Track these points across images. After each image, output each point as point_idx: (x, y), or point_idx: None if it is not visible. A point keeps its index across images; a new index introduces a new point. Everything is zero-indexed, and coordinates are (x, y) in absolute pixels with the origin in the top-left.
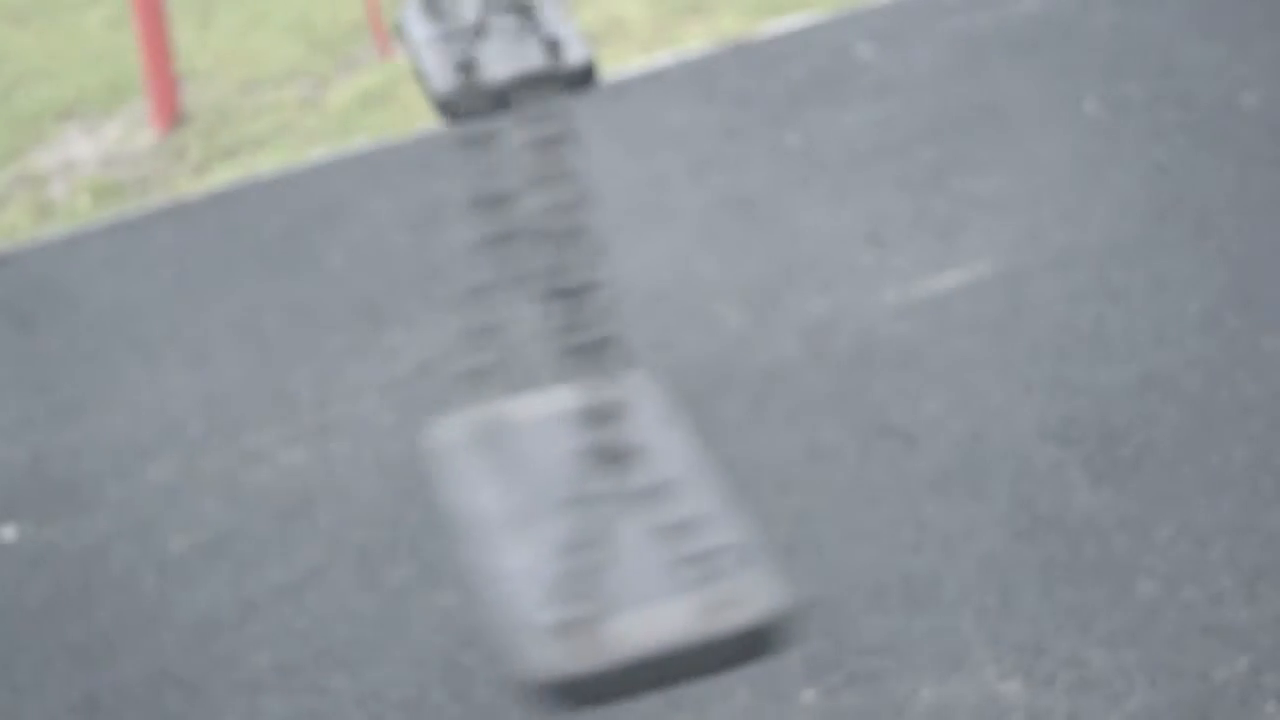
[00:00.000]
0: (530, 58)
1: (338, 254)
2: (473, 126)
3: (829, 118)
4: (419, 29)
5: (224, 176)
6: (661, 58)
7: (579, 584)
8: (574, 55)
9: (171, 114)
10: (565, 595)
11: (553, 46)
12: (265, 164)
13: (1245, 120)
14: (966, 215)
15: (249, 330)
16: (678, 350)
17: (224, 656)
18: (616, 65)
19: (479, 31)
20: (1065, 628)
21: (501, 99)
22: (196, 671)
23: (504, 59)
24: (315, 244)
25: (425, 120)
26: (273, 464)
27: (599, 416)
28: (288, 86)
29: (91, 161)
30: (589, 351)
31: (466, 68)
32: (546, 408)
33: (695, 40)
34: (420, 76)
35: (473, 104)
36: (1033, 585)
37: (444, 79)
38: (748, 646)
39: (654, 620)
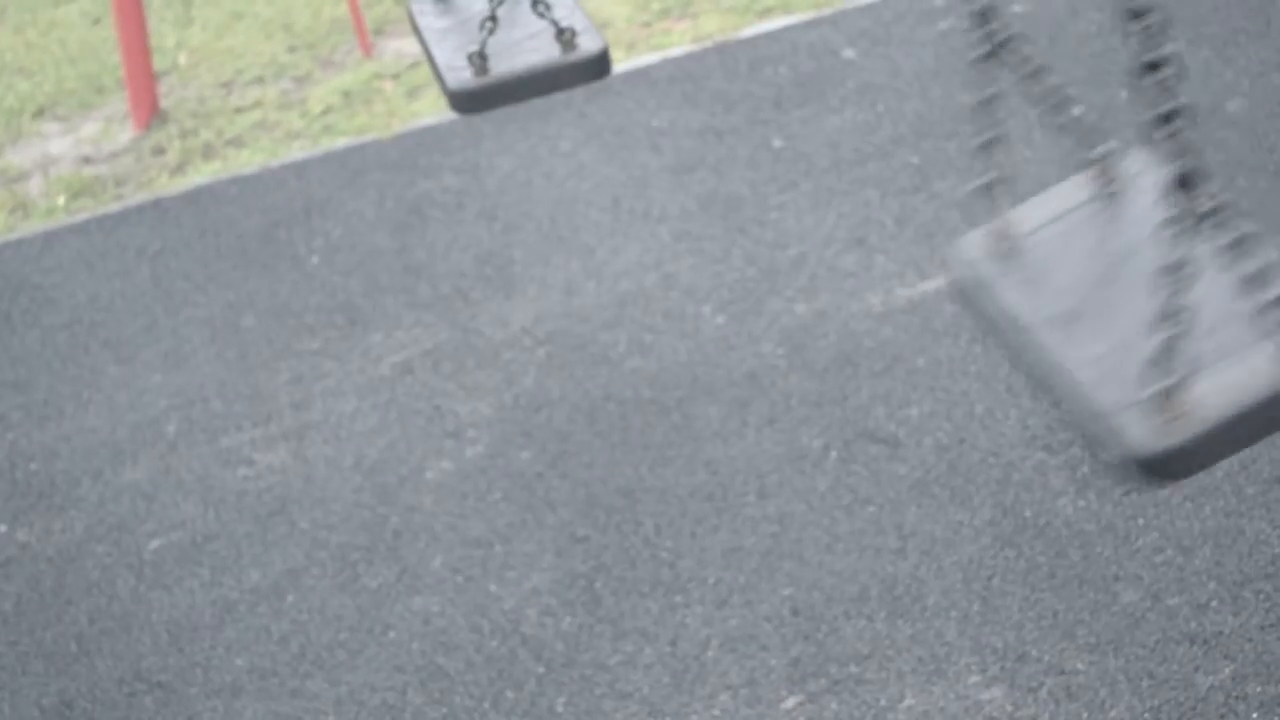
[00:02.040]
0: (544, 49)
1: (317, 254)
2: None
3: (812, 120)
4: (429, 20)
5: (202, 175)
6: (645, 59)
7: (1171, 353)
8: (588, 45)
9: (150, 112)
10: (1159, 367)
11: (566, 37)
12: (244, 162)
13: (1230, 125)
14: (950, 218)
15: (227, 330)
16: (658, 353)
17: (200, 659)
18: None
19: (490, 23)
20: (1048, 635)
21: (516, 91)
22: (172, 674)
23: (517, 50)
24: (294, 243)
25: (406, 120)
26: (250, 465)
27: (1183, 183)
28: (267, 85)
29: (69, 159)
30: (1170, 120)
31: (479, 60)
32: (1060, 205)
33: (679, 41)
34: (431, 68)
35: (487, 97)
36: (1016, 592)
37: (456, 72)
38: None
39: (1241, 374)
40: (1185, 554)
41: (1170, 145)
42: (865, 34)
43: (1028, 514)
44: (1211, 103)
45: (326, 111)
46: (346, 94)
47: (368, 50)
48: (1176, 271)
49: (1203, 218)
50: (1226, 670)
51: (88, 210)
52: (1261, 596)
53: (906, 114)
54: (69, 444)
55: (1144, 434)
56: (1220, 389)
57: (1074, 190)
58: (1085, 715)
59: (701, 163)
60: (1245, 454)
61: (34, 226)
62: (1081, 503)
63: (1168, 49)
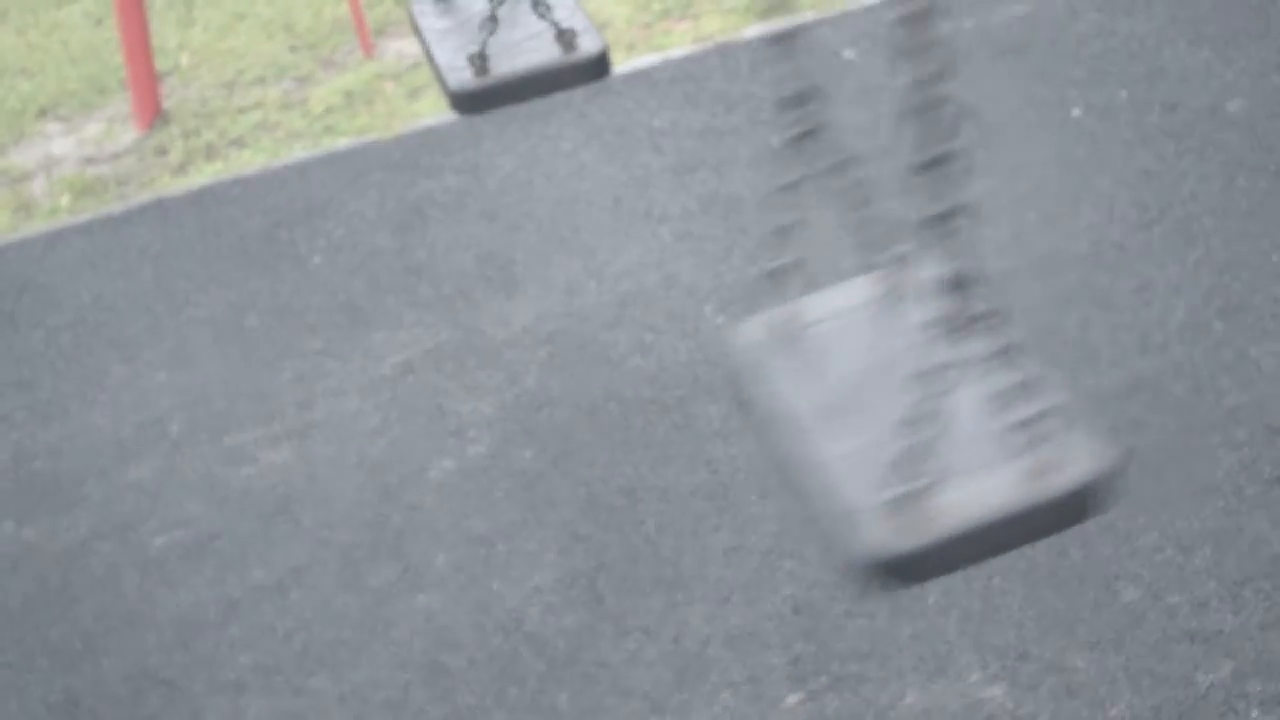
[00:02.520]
0: (544, 50)
1: (319, 254)
2: (781, 27)
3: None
4: (429, 21)
5: (205, 175)
6: (646, 59)
7: (918, 459)
8: (588, 46)
9: (152, 112)
10: (904, 471)
11: (566, 37)
12: (246, 163)
13: (1230, 126)
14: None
15: (230, 329)
16: (659, 352)
17: (205, 656)
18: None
19: (490, 23)
20: (1049, 633)
21: (516, 91)
22: (177, 671)
23: (517, 51)
24: (296, 243)
25: (407, 120)
26: (254, 464)
27: (954, 285)
28: (269, 85)
29: (72, 159)
30: (945, 221)
31: (480, 61)
32: (847, 300)
33: (680, 42)
34: (432, 68)
35: (487, 97)
36: (1016, 591)
37: (457, 72)
38: (1071, 510)
39: (983, 489)
40: (1185, 553)
41: (945, 246)
42: (866, 35)
43: None
44: (1211, 103)
45: (328, 112)
46: (348, 94)
47: (369, 51)
48: (932, 377)
49: (969, 324)
50: (1227, 668)
51: (91, 211)
52: (1261, 595)
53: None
54: (74, 443)
55: (877, 536)
56: (961, 501)
57: (864, 287)
58: (1085, 713)
59: (702, 163)
60: (1246, 453)
61: (37, 227)
62: None
63: (954, 143)
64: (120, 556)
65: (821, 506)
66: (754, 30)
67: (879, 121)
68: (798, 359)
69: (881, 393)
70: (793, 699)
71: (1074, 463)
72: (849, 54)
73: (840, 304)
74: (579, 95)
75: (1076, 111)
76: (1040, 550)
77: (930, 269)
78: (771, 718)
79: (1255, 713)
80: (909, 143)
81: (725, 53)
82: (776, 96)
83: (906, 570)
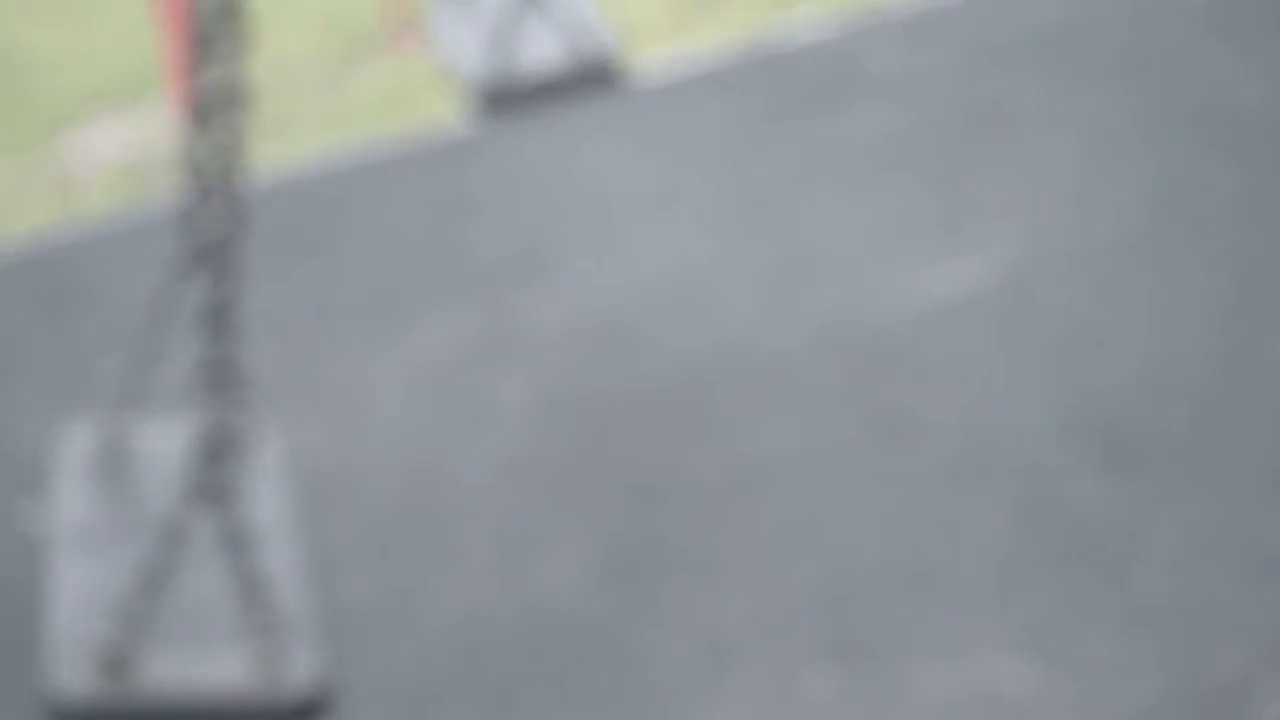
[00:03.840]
0: (556, 56)
1: (359, 248)
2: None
3: (841, 117)
4: (447, 23)
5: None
6: (674, 54)
7: (136, 612)
8: (603, 54)
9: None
10: (120, 620)
11: (582, 48)
12: (285, 155)
13: (1255, 126)
14: (975, 217)
15: (269, 320)
16: (690, 344)
17: None
18: (628, 60)
19: (509, 26)
20: (1070, 616)
21: (536, 95)
22: None
23: (536, 54)
24: (336, 235)
25: (445, 112)
26: (293, 451)
27: (209, 449)
28: (307, 77)
29: (114, 155)
30: (215, 379)
31: (496, 66)
32: (172, 432)
33: (708, 37)
34: (450, 71)
35: (510, 100)
36: (1039, 575)
37: (474, 75)
38: (282, 711)
39: (200, 662)
40: (1204, 542)
41: (210, 404)
42: (895, 34)
43: (1049, 503)
44: (1237, 103)
45: (365, 106)
46: (385, 89)
47: (405, 44)
48: (166, 536)
49: (218, 494)
50: (1245, 652)
51: (134, 203)
52: (1278, 584)
53: (935, 113)
54: None
55: (76, 675)
56: (175, 669)
57: (183, 425)
58: (1107, 694)
59: (728, 157)
60: (1265, 446)
61: (81, 220)
62: (1102, 493)
63: (224, 295)
64: None
65: (48, 629)
66: (785, 25)
67: (905, 122)
68: (108, 477)
69: (140, 536)
70: (819, 682)
71: (293, 665)
72: (878, 52)
73: (166, 434)
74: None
75: (1100, 112)
76: (1062, 535)
77: (192, 426)
78: (797, 701)
79: (1274, 699)
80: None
81: (753, 47)
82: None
83: (93, 714)
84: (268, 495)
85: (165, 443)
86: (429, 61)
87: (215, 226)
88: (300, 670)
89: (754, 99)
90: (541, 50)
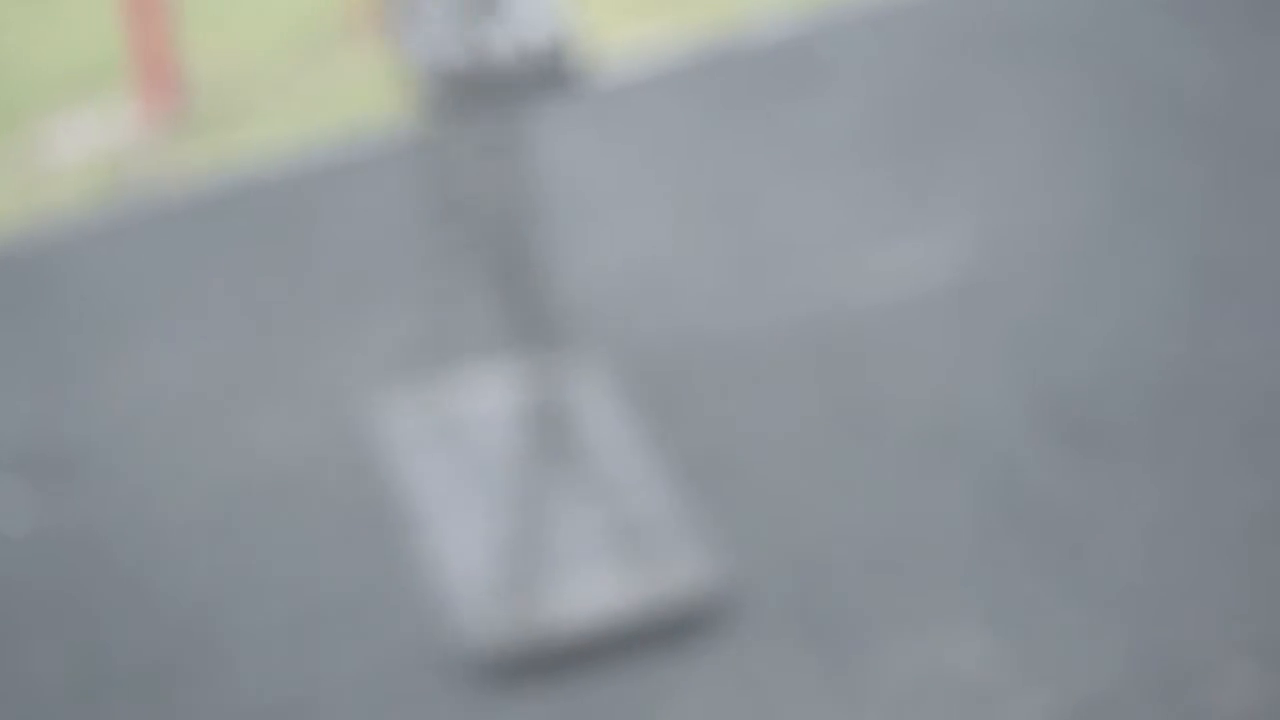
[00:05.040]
0: (518, 52)
1: (328, 241)
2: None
3: (805, 109)
4: (405, 19)
5: (213, 162)
6: (632, 46)
7: (520, 564)
8: (563, 46)
9: (167, 95)
10: (510, 566)
11: (541, 40)
12: (254, 149)
13: (1219, 115)
14: (939, 207)
15: (242, 318)
16: (655, 335)
17: (218, 638)
18: (591, 54)
19: (470, 22)
20: (1033, 599)
21: (497, 90)
22: (192, 652)
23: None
24: (309, 233)
25: (407, 108)
26: (266, 449)
27: (545, 409)
28: (269, 70)
29: (82, 146)
30: (540, 340)
31: (456, 62)
32: (489, 385)
33: (666, 29)
34: (410, 67)
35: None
36: (1002, 559)
37: (434, 70)
38: (676, 622)
39: (589, 597)
40: (1167, 518)
41: (538, 365)
42: (859, 26)
43: (1013, 483)
44: (1205, 100)
45: (339, 98)
46: (358, 81)
47: (377, 38)
48: (528, 490)
49: (565, 444)
50: (1210, 628)
51: (101, 197)
52: (1243, 573)
53: (898, 108)
54: (86, 427)
55: (481, 632)
56: (564, 608)
57: (502, 374)
58: (1071, 672)
59: (690, 151)
60: (1229, 439)
61: (49, 213)
62: (1065, 472)
63: (539, 263)
64: (130, 541)
65: (444, 599)
66: (748, 16)
67: (868, 116)
68: (439, 440)
69: (512, 493)
70: (781, 662)
71: (681, 572)
72: (840, 45)
73: (482, 388)
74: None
75: (1068, 107)
76: (1026, 527)
77: (523, 388)
78: (759, 680)
79: (1241, 680)
80: (498, 262)
81: (716, 40)
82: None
83: (513, 667)
84: (605, 418)
85: (491, 391)
86: (391, 56)
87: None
88: (691, 583)
89: (717, 91)
90: (503, 46)
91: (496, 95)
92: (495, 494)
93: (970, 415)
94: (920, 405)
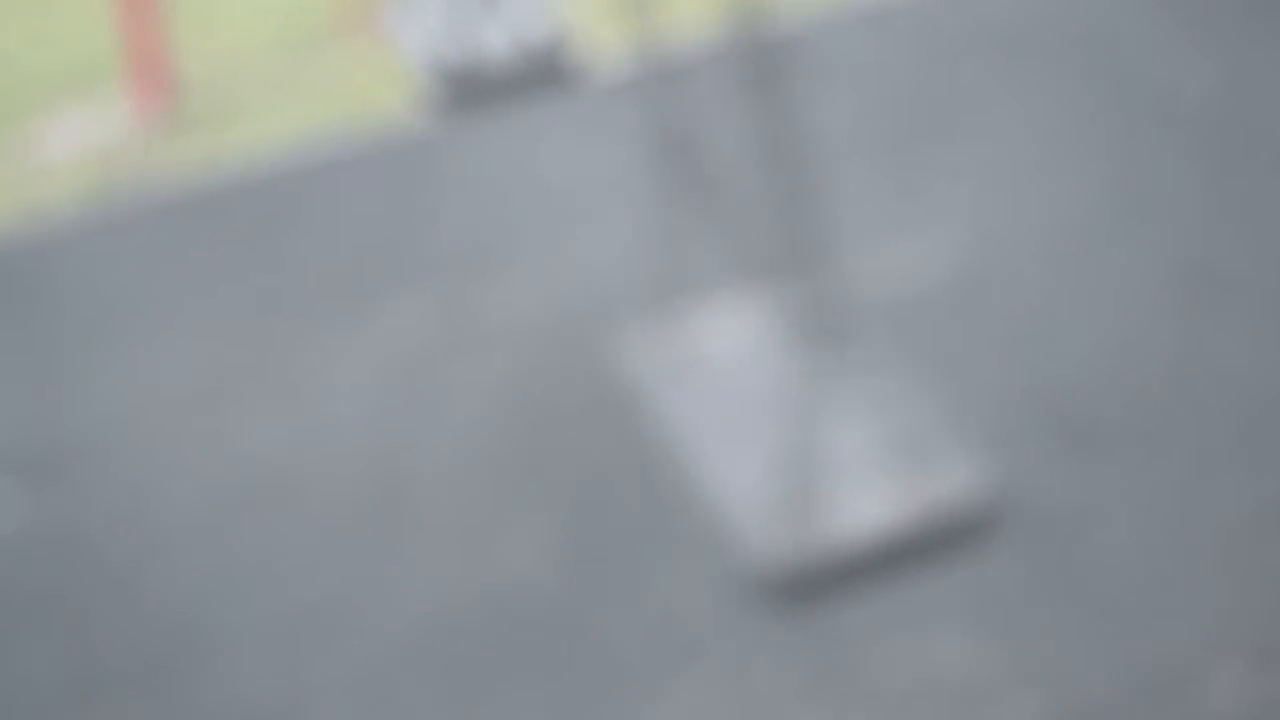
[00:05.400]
0: (512, 51)
1: (319, 242)
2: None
3: (797, 110)
4: (404, 18)
5: (205, 160)
6: (620, 52)
7: (800, 483)
8: (555, 45)
9: (158, 95)
10: (787, 494)
11: (535, 39)
12: (246, 148)
13: (1209, 115)
14: (935, 210)
15: (231, 316)
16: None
17: (202, 636)
18: (583, 54)
19: (466, 21)
20: (1024, 599)
21: (493, 89)
22: (176, 651)
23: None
24: (297, 232)
25: (399, 105)
26: (253, 446)
27: (817, 329)
28: (260, 67)
29: (75, 142)
30: (808, 263)
31: (453, 60)
32: (742, 322)
33: (655, 35)
34: (407, 65)
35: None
36: (993, 558)
37: (431, 69)
38: (955, 535)
39: (869, 513)
40: (1158, 520)
41: (809, 270)
42: (852, 26)
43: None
44: (1198, 101)
45: (319, 96)
46: (346, 81)
47: (365, 37)
48: (821, 404)
49: (843, 344)
50: (1200, 631)
51: (94, 195)
52: (1233, 576)
53: (894, 107)
54: (76, 426)
55: (765, 553)
56: (849, 521)
57: (754, 311)
58: (1062, 684)
59: (685, 153)
60: (1222, 440)
61: (40, 212)
62: (1057, 471)
63: (808, 183)
64: (119, 538)
65: (723, 524)
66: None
67: (863, 116)
68: (688, 375)
69: (766, 413)
70: (774, 664)
71: (956, 484)
72: (833, 45)
73: (725, 322)
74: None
75: (1063, 108)
76: (1017, 529)
77: (800, 291)
78: (751, 684)
79: (1224, 690)
80: (766, 172)
81: (701, 44)
82: (662, 143)
83: (805, 587)
84: (864, 338)
85: (732, 323)
86: (382, 53)
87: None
88: (965, 494)
89: (703, 94)
90: (498, 45)
91: (495, 92)
92: (761, 419)
93: (963, 412)
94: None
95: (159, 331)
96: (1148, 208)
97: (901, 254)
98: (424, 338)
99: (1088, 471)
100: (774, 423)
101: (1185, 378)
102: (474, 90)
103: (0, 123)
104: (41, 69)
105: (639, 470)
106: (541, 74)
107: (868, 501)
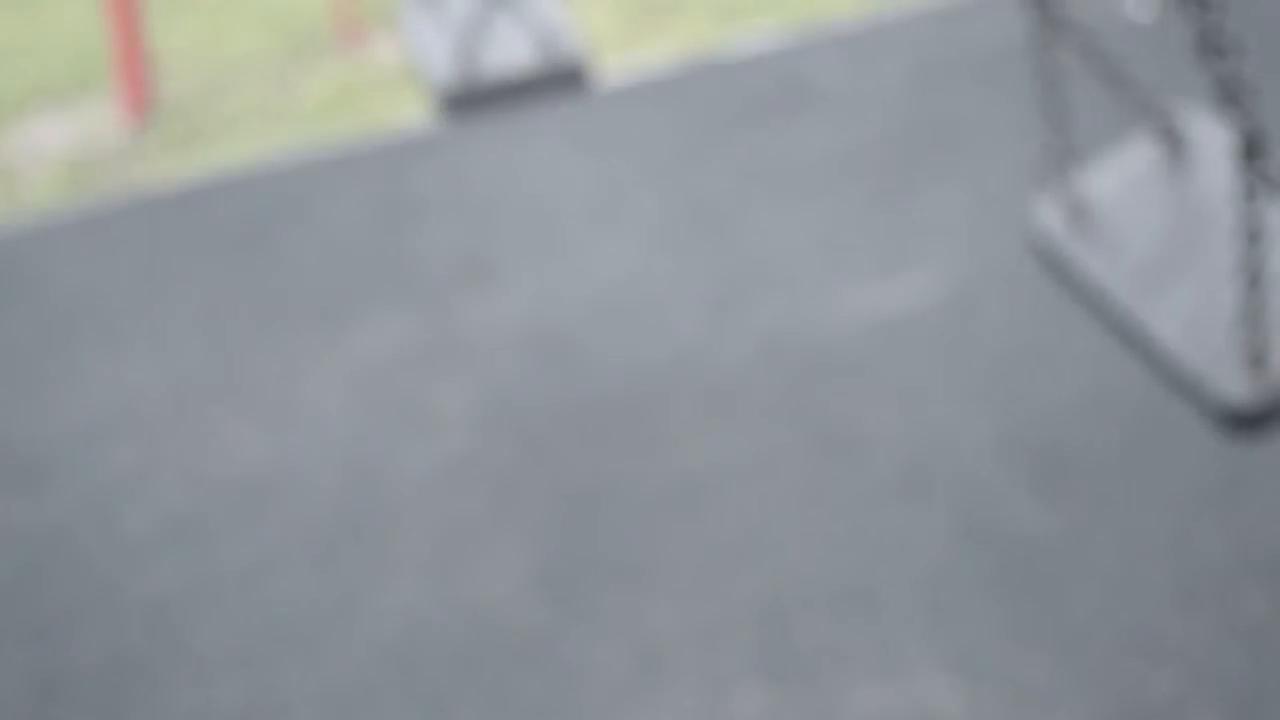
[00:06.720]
0: (527, 59)
1: (304, 248)
2: None
3: (787, 131)
4: (414, 23)
5: (191, 167)
6: (624, 66)
7: (1258, 315)
8: (573, 57)
9: (141, 103)
10: (1246, 328)
11: (551, 48)
12: (233, 155)
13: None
14: (919, 234)
15: (213, 320)
16: (634, 355)
17: (177, 642)
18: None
19: (477, 28)
20: (1003, 640)
21: (499, 98)
22: (152, 657)
23: (502, 59)
24: (282, 237)
25: (391, 120)
26: (232, 453)
27: (1256, 146)
28: (257, 79)
29: (58, 149)
30: (1234, 83)
31: (463, 66)
32: (1127, 169)
33: (659, 49)
34: (415, 71)
35: (471, 102)
36: (971, 597)
37: (439, 76)
38: None
39: None
40: (1138, 563)
41: (1238, 114)
42: (844, 50)
43: (985, 522)
44: None
45: (314, 109)
46: (333, 92)
47: (354, 49)
48: (1258, 235)
49: (1274, 183)
50: (1176, 677)
51: (77, 200)
52: (1212, 607)
53: (881, 130)
54: (54, 427)
55: (1236, 391)
56: None
57: (1138, 154)
58: (1039, 716)
59: (676, 170)
60: (1200, 466)
61: (23, 215)
62: (1038, 512)
63: (1226, 24)
64: (96, 540)
65: (1174, 369)
66: (734, 39)
67: (851, 138)
68: (1099, 233)
69: (1200, 255)
70: (751, 694)
71: None
72: (826, 68)
73: (1122, 174)
74: (559, 101)
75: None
76: (995, 558)
77: (1220, 134)
78: (730, 712)
79: None
80: (1190, 24)
81: (703, 61)
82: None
83: (1270, 420)
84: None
85: (1133, 176)
86: (378, 62)
87: None
88: None
89: (702, 111)
90: (510, 53)
91: (511, 97)
92: (1199, 265)
93: (946, 446)
94: (897, 434)
95: (140, 336)
96: None
97: (886, 281)
98: (408, 348)
99: (1066, 508)
100: (1204, 261)
101: (1165, 411)
102: (483, 99)
103: None
104: (27, 74)
105: (613, 491)
106: (554, 83)
107: None
